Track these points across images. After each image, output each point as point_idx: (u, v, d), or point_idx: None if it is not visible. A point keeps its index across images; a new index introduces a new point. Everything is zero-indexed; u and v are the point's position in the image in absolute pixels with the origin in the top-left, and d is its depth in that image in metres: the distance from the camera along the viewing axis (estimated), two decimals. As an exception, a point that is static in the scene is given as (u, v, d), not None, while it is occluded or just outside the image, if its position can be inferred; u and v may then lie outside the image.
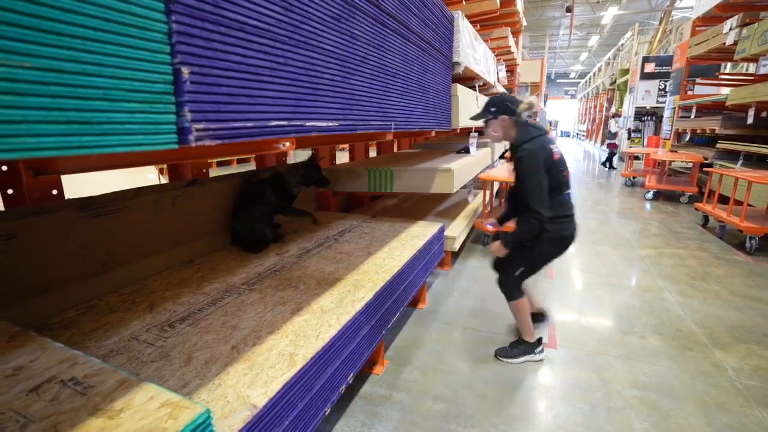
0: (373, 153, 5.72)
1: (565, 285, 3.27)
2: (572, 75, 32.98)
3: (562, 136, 29.67)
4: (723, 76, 8.51)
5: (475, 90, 3.93)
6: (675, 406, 1.91)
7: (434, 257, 2.95)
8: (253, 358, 1.35)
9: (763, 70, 5.82)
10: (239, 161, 10.93)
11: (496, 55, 6.62)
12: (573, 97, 30.56)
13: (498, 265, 2.32)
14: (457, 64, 3.03)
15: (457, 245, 3.49)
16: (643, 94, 12.65)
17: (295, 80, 1.13)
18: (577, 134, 27.18)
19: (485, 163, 4.78)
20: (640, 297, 3.05)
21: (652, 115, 12.37)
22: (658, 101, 12.10)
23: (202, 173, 2.59)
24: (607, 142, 11.93)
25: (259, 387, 1.19)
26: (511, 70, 9.80)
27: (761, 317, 2.06)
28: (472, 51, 3.52)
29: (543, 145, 1.97)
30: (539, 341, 2.26)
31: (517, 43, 9.31)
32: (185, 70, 0.77)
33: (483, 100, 4.42)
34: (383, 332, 2.06)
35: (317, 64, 1.26)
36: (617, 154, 12.20)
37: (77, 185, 2.47)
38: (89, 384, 0.84)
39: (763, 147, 5.97)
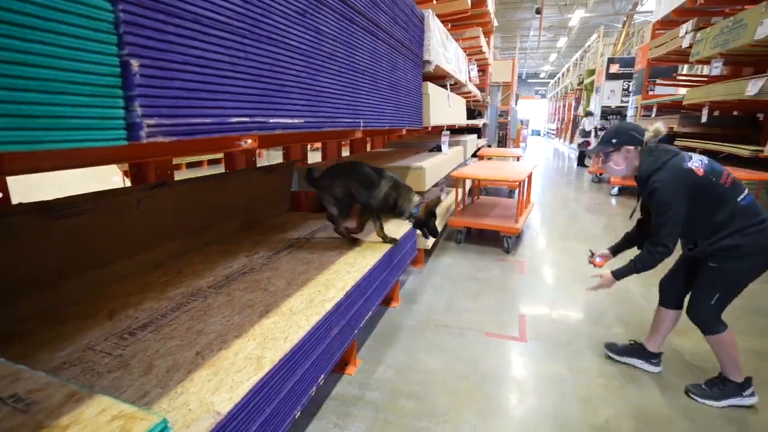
0: (346, 152, 5.69)
1: (536, 280, 3.34)
2: (542, 75, 33.79)
3: (533, 134, 30.34)
4: (680, 77, 8.89)
5: (447, 89, 3.96)
6: (638, 392, 1.97)
7: (407, 255, 2.95)
8: (218, 363, 1.31)
9: (715, 72, 6.12)
10: (210, 162, 10.64)
11: (467, 55, 6.69)
12: (543, 96, 31.33)
13: (670, 286, 2.06)
14: (428, 62, 3.04)
15: (430, 243, 3.51)
16: (609, 94, 13.05)
17: (258, 76, 1.10)
18: (547, 133, 27.89)
19: (458, 161, 4.82)
20: (604, 290, 3.14)
21: (618, 114, 12.79)
22: (622, 101, 12.52)
23: (166, 175, 2.51)
24: (581, 140, 12.28)
25: (224, 393, 1.15)
26: (483, 70, 9.93)
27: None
28: (443, 50, 3.54)
29: (678, 169, 1.73)
30: (748, 381, 1.88)
31: (488, 43, 9.46)
32: (135, 63, 0.73)
33: (455, 98, 4.48)
34: (355, 332, 2.04)
35: (281, 59, 1.23)
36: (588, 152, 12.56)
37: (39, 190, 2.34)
38: (33, 400, 0.78)
39: (716, 144, 6.28)
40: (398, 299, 2.90)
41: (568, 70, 20.32)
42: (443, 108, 3.80)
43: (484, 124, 9.43)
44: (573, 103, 18.44)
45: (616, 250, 2.20)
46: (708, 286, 1.83)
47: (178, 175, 2.52)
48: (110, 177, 4.55)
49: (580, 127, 12.97)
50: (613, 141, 1.89)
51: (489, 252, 3.97)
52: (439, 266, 3.61)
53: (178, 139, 0.84)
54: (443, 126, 4.01)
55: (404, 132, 2.66)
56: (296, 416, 1.44)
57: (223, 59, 0.96)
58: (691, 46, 6.77)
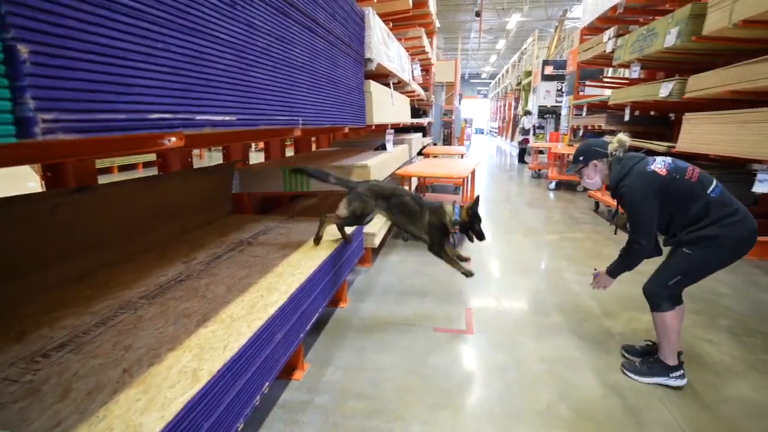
0: (291, 152, 5.56)
1: (481, 273, 3.44)
2: (484, 76, 35.10)
3: (476, 133, 31.42)
4: (606, 80, 9.59)
5: (390, 87, 3.98)
6: (575, 373, 2.09)
7: (353, 255, 2.93)
8: (149, 379, 1.21)
9: (634, 75, 6.66)
10: (147, 165, 9.97)
11: (411, 55, 6.78)
12: (485, 96, 32.54)
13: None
14: (370, 60, 3.03)
15: (377, 241, 3.51)
16: (544, 94, 13.82)
17: (180, 69, 1.02)
18: (490, 131, 29.02)
19: (403, 159, 4.87)
20: (546, 279, 3.32)
21: (553, 113, 13.57)
22: (557, 101, 13.30)
23: (89, 178, 2.30)
24: (521, 138, 12.87)
25: (155, 412, 1.06)
26: (426, 70, 10.12)
27: (640, 287, 2.35)
28: (385, 48, 3.55)
29: (642, 173, 1.85)
30: (679, 366, 1.98)
31: (431, 43, 9.63)
32: (23, 49, 0.64)
33: (398, 97, 4.52)
34: (301, 335, 1.99)
35: (208, 52, 1.16)
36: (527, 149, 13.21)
37: None
38: None
39: (637, 140, 6.83)
40: (347, 299, 2.87)
41: (507, 71, 21.26)
42: (387, 106, 3.81)
43: (429, 123, 9.62)
44: (513, 103, 19.32)
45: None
46: (674, 268, 1.90)
47: (110, 179, 2.32)
48: (26, 182, 4.13)
49: (520, 126, 13.62)
50: (581, 159, 2.06)
51: (436, 248, 4.04)
52: (387, 264, 3.62)
53: (86, 137, 0.76)
54: (387, 124, 4.03)
55: (347, 130, 2.64)
56: (239, 429, 1.37)
57: (137, 50, 0.88)
58: (613, 51, 7.32)
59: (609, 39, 7.50)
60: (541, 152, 11.65)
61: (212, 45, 1.19)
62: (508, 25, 17.79)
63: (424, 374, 2.08)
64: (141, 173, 9.51)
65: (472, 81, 36.06)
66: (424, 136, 9.50)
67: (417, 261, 3.69)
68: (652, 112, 8.03)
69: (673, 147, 5.54)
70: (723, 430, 1.72)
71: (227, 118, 1.23)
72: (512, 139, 17.91)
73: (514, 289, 3.15)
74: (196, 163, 3.30)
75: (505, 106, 21.69)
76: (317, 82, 2.03)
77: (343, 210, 2.51)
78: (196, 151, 12.77)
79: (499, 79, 24.28)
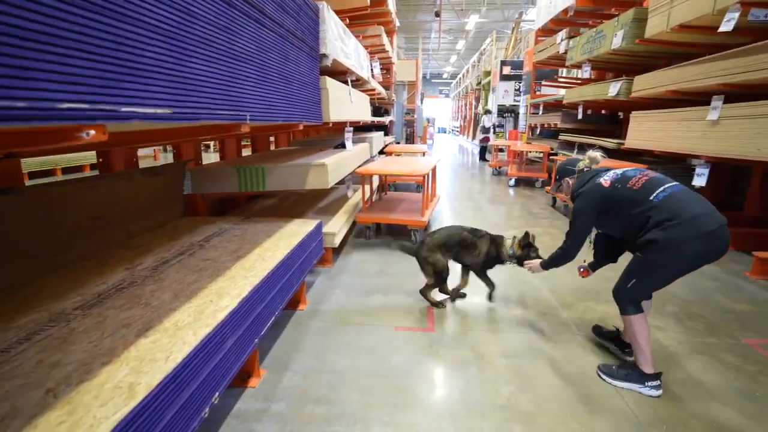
0: (247, 152, 5.38)
1: (442, 270, 3.46)
2: (445, 75, 35.63)
3: (439, 132, 31.86)
4: (561, 79, 9.96)
5: (348, 84, 3.92)
6: (534, 366, 2.12)
7: (312, 255, 2.86)
8: (77, 399, 1.10)
9: (585, 75, 6.95)
10: (95, 166, 9.34)
11: (371, 53, 6.75)
12: (447, 96, 33.04)
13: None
14: (325, 56, 2.96)
15: (337, 241, 3.45)
16: (503, 94, 14.18)
17: (100, 55, 0.93)
18: (452, 130, 29.50)
19: (364, 157, 4.83)
20: (506, 274, 3.36)
21: (512, 112, 13.94)
22: (515, 100, 13.68)
23: (14, 179, 2.11)
24: (482, 136, 13.12)
25: (80, 434, 0.96)
26: (387, 69, 10.12)
27: (595, 278, 2.43)
28: (342, 44, 3.48)
29: (592, 184, 2.01)
30: (656, 375, 1.93)
31: (391, 42, 9.63)
32: None
33: (357, 95, 4.46)
34: (256, 341, 1.90)
35: (135, 39, 1.07)
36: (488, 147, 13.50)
37: None
38: None
39: (590, 138, 7.13)
40: (306, 301, 2.80)
41: (467, 72, 21.67)
42: (345, 104, 3.75)
43: (391, 122, 9.63)
44: (473, 102, 19.71)
45: (594, 267, 2.35)
46: (630, 271, 1.94)
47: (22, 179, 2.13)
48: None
49: (481, 125, 13.91)
50: (558, 178, 2.34)
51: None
52: (348, 264, 3.57)
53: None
54: (346, 122, 3.97)
55: (302, 127, 2.56)
56: (184, 444, 1.28)
57: (40, 29, 0.78)
58: (566, 52, 7.60)
59: (562, 40, 7.78)
60: (501, 150, 11.95)
61: (142, 31, 1.09)
62: (467, 26, 18.12)
63: (385, 374, 2.04)
64: (88, 173, 8.94)
65: (433, 81, 36.52)
66: (386, 134, 9.50)
67: (380, 260, 3.65)
68: (603, 111, 8.41)
69: (622, 144, 5.82)
70: (673, 412, 1.79)
71: (161, 111, 1.14)
72: (474, 138, 18.27)
73: (476, 284, 3.17)
74: (152, 165, 3.11)
75: (466, 105, 22.10)
76: (266, 76, 1.95)
77: (428, 278, 2.80)
78: (149, 151, 12.18)
79: (459, 79, 24.71)
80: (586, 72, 6.82)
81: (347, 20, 4.09)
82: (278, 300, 2.20)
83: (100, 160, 2.75)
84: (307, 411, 1.79)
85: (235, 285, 1.92)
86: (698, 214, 1.75)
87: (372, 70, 6.53)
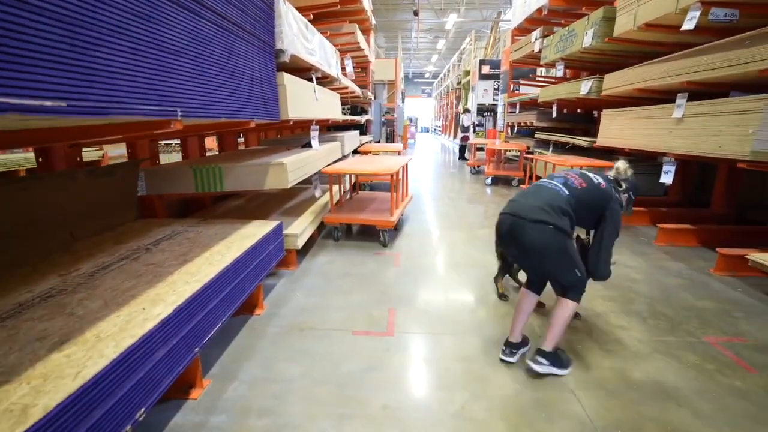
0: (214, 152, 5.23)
1: (410, 271, 3.38)
2: (427, 75, 35.70)
3: (422, 131, 31.90)
4: (538, 78, 10.00)
5: (312, 81, 3.82)
6: (492, 370, 2.06)
7: (271, 257, 2.75)
8: (-46, 425, 0.98)
9: (559, 74, 6.97)
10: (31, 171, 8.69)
11: (345, 51, 6.64)
12: (429, 95, 33.11)
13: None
14: (282, 51, 2.85)
15: (300, 242, 3.34)
16: (482, 93, 14.21)
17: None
18: (435, 130, 29.56)
19: (334, 156, 4.72)
20: (474, 274, 3.31)
21: (491, 111, 13.99)
22: (494, 99, 13.72)
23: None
24: (461, 135, 13.13)
25: (-58, 469, 0.85)
26: (363, 68, 10.01)
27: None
28: (303, 40, 3.38)
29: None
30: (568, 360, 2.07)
31: (368, 41, 9.52)
32: None
33: (324, 92, 4.35)
34: (196, 349, 1.79)
35: (17, 22, 0.95)
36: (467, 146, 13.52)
37: None
38: None
39: (564, 136, 7.17)
40: (263, 305, 2.69)
41: (448, 71, 21.71)
42: (309, 101, 3.64)
43: (368, 121, 9.53)
44: (454, 101, 19.75)
45: None
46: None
47: None
48: None
49: (460, 123, 13.92)
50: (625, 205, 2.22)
51: (367, 247, 3.94)
52: (313, 266, 3.46)
53: None
54: (312, 120, 3.86)
55: (253, 124, 2.45)
56: (94, 469, 1.17)
57: None
58: (540, 51, 7.63)
59: (536, 39, 7.81)
60: (480, 149, 11.97)
61: (26, 14, 0.98)
62: (447, 25, 18.15)
63: (337, 382, 1.95)
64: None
65: (416, 80, 36.56)
66: (363, 134, 9.41)
67: (346, 261, 3.56)
68: (579, 110, 8.48)
69: (594, 142, 5.85)
70: (627, 415, 1.74)
71: (50, 103, 1.02)
72: (455, 137, 18.29)
73: (439, 286, 3.11)
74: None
75: (447, 104, 22.14)
76: (204, 70, 1.83)
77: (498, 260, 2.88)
78: (122, 152, 11.74)
79: (441, 79, 24.76)
80: (559, 71, 6.84)
81: (311, 16, 3.98)
82: (226, 305, 2.09)
83: (40, 160, 2.59)
84: (248, 424, 1.69)
85: (174, 291, 1.81)
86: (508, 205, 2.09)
87: (344, 67, 6.44)
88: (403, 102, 19.77)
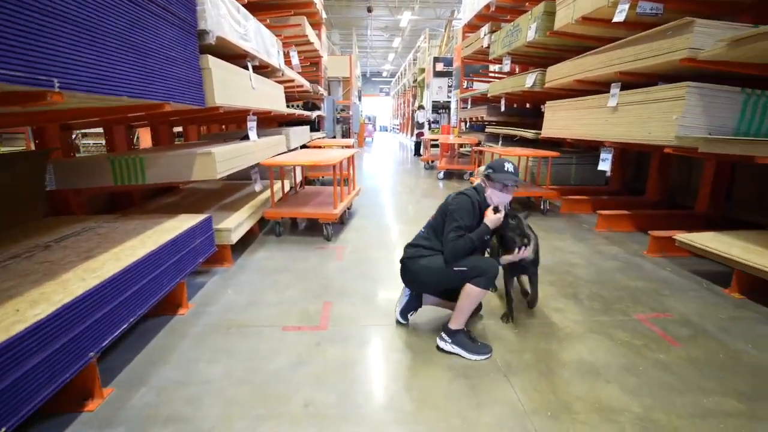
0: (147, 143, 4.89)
1: (352, 264, 3.27)
2: (384, 74, 35.73)
3: (381, 130, 31.90)
4: (490, 75, 10.18)
5: (248, 69, 3.62)
6: (425, 360, 1.98)
7: (197, 253, 2.55)
8: None
9: (506, 68, 7.10)
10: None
11: (293, 43, 6.45)
12: (387, 94, 33.15)
13: None
14: (206, 32, 2.65)
15: (235, 237, 3.15)
16: (437, 90, 14.32)
17: None
18: (393, 128, 29.64)
19: (277, 149, 4.53)
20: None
21: (446, 108, 14.13)
22: (448, 96, 13.86)
23: None
24: (416, 131, 13.17)
25: None
26: (315, 63, 9.81)
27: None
28: (234, 24, 3.18)
29: None
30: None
31: (319, 36, 9.33)
32: None
33: (263, 82, 4.15)
34: (91, 354, 1.59)
35: None
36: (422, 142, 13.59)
37: None
38: None
39: (512, 129, 7.32)
40: (188, 305, 2.48)
41: (405, 69, 21.79)
42: (244, 90, 3.45)
43: (321, 116, 9.34)
44: (411, 99, 19.83)
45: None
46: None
47: None
48: None
49: (415, 120, 13.98)
50: None
51: (310, 242, 3.79)
52: (251, 262, 3.28)
53: None
54: (248, 110, 3.66)
55: (168, 108, 2.25)
56: None
57: None
58: (489, 47, 7.74)
59: (485, 35, 7.92)
60: (435, 145, 12.06)
61: None
62: (401, 23, 18.20)
63: (259, 381, 1.81)
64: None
65: (374, 79, 36.51)
66: (316, 130, 9.20)
67: (286, 256, 3.40)
68: (527, 105, 8.70)
69: (540, 134, 5.99)
70: (559, 396, 1.72)
71: None
72: (412, 135, 18.37)
73: (383, 278, 3.02)
74: None
75: (404, 103, 22.24)
76: (97, 40, 1.63)
77: None
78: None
79: (398, 77, 24.85)
80: (506, 65, 6.96)
81: (245, 1, 3.77)
82: (135, 305, 1.89)
83: (37, 141, 2.25)
84: (152, 433, 1.51)
85: (64, 289, 1.60)
86: None
87: (289, 59, 6.23)
88: (359, 100, 19.66)
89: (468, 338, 2.05)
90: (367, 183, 7.40)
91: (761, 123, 3.26)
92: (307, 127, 7.33)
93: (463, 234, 1.98)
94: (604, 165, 4.19)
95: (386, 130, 32.86)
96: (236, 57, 3.53)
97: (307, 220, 4.53)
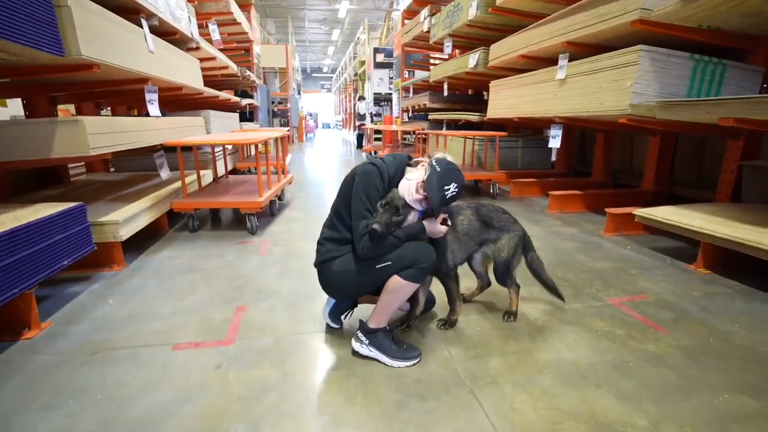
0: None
1: (276, 261, 2.70)
2: (325, 69, 34.84)
3: (324, 127, 31.07)
4: (432, 62, 9.91)
5: (143, 26, 2.92)
6: (364, 388, 1.49)
7: (56, 254, 1.87)
8: None
9: (447, 51, 6.79)
10: None
11: (216, 21, 5.72)
12: (329, 90, 32.33)
13: None
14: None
15: (125, 233, 2.47)
16: (378, 82, 13.92)
17: None
18: (336, 125, 28.95)
19: (192, 133, 3.83)
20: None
21: (388, 100, 13.77)
22: (390, 87, 13.52)
23: None
24: (358, 123, 12.67)
25: None
26: (246, 49, 9.06)
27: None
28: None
29: None
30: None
31: (249, 18, 8.58)
32: None
33: (163, 47, 3.40)
34: None
35: None
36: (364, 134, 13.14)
37: None
38: None
39: (456, 114, 7.07)
40: (39, 325, 1.80)
41: (346, 64, 21.21)
42: (135, 50, 2.75)
43: (253, 106, 8.56)
44: (353, 94, 19.31)
45: None
46: None
47: None
48: None
49: (356, 111, 13.49)
50: None
51: (231, 236, 3.17)
52: (150, 263, 2.61)
53: None
54: (145, 79, 2.96)
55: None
56: None
57: None
58: (429, 31, 7.43)
59: (425, 18, 7.59)
60: (378, 138, 11.64)
61: None
62: (339, 13, 17.61)
63: (103, 417, 1.22)
64: None
65: (314, 75, 35.52)
66: (249, 120, 8.42)
67: (196, 254, 2.76)
68: (469, 91, 8.51)
69: (485, 117, 5.74)
70: (541, 413, 1.30)
71: None
72: (354, 130, 17.87)
73: (312, 274, 2.48)
74: None
75: (346, 98, 21.68)
76: None
77: None
78: None
79: (339, 72, 24.23)
80: (448, 47, 6.65)
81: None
82: None
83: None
84: None
85: None
86: None
87: (210, 34, 5.49)
88: (299, 94, 18.79)
89: (390, 339, 1.59)
90: (307, 175, 6.80)
91: (709, 90, 3.13)
92: (236, 114, 6.57)
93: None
94: (555, 142, 3.95)
95: (329, 127, 32.09)
96: (128, 11, 2.83)
97: (232, 213, 3.88)
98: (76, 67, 2.22)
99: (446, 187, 1.49)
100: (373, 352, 1.57)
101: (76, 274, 2.37)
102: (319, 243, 1.67)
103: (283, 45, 14.64)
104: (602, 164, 4.96)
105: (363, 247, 1.49)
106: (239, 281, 2.32)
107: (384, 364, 1.55)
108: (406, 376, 1.50)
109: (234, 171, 5.53)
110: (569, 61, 3.70)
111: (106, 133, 2.31)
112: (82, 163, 4.76)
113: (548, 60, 4.18)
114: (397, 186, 1.60)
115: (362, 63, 16.30)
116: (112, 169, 4.72)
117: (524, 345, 1.69)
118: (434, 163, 1.53)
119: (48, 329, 1.80)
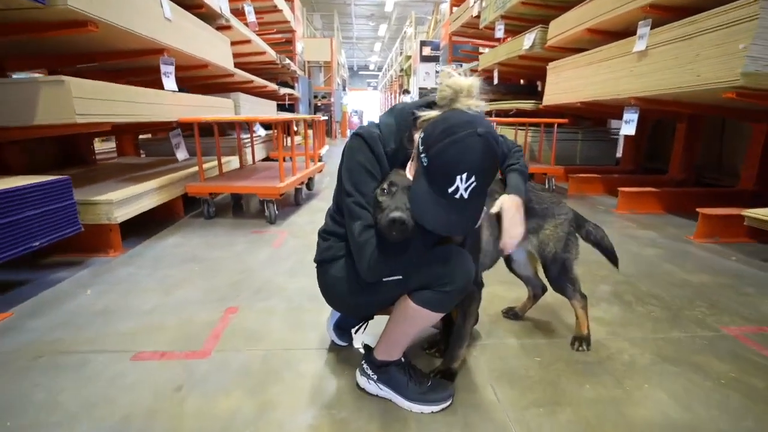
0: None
1: (289, 254, 2.32)
2: (371, 67, 34.71)
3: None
4: (480, 50, 9.28)
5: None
6: (356, 415, 1.06)
7: (16, 233, 1.59)
8: None
9: (499, 34, 6.19)
10: None
11: (257, 9, 5.56)
12: (375, 88, 32.16)
13: None
14: None
15: (122, 215, 2.18)
16: (424, 76, 13.50)
17: None
18: (381, 123, 28.67)
19: (217, 113, 3.55)
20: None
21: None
22: (436, 82, 13.01)
23: None
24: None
25: None
26: (289, 41, 8.98)
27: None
28: None
29: None
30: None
31: (292, 8, 8.43)
32: None
33: (185, 17, 3.08)
34: None
35: None
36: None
37: None
38: None
39: (507, 102, 6.46)
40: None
41: (392, 60, 20.86)
42: (147, 14, 2.47)
43: (293, 97, 8.37)
44: (398, 90, 18.94)
45: None
46: None
47: None
48: None
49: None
50: None
51: (247, 225, 2.84)
52: (152, 249, 2.31)
53: None
54: (161, 50, 2.68)
55: None
56: None
57: None
58: (479, 15, 6.87)
59: (474, 2, 7.06)
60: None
61: None
62: (386, 7, 17.26)
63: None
64: None
65: (361, 73, 35.48)
66: (289, 111, 8.24)
67: (204, 243, 2.44)
68: (522, 81, 7.84)
69: (540, 104, 5.12)
70: None
71: None
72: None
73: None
74: None
75: (392, 95, 21.34)
76: None
77: None
78: None
79: (385, 69, 23.94)
80: (499, 31, 6.05)
81: None
82: None
83: None
84: None
85: None
86: None
87: (245, 16, 5.26)
88: (344, 89, 18.64)
89: (407, 374, 1.13)
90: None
91: None
92: (273, 103, 6.33)
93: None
94: (628, 128, 3.29)
95: (374, 125, 31.90)
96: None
97: (258, 203, 3.58)
98: (67, 23, 1.94)
99: (456, 179, 0.90)
100: (384, 391, 1.12)
101: (66, 259, 2.11)
102: (319, 235, 1.21)
103: (327, 39, 14.49)
104: (682, 159, 4.20)
105: (369, 262, 0.98)
106: (240, 276, 1.96)
107: (399, 406, 1.10)
108: (430, 426, 1.04)
109: (267, 160, 5.27)
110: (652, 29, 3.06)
111: (100, 99, 2.02)
112: (113, 147, 4.67)
113: (619, 34, 3.54)
114: (403, 164, 1.08)
115: (408, 58, 15.87)
116: (142, 153, 4.59)
117: (607, 390, 1.17)
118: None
119: (4, 322, 1.51)
